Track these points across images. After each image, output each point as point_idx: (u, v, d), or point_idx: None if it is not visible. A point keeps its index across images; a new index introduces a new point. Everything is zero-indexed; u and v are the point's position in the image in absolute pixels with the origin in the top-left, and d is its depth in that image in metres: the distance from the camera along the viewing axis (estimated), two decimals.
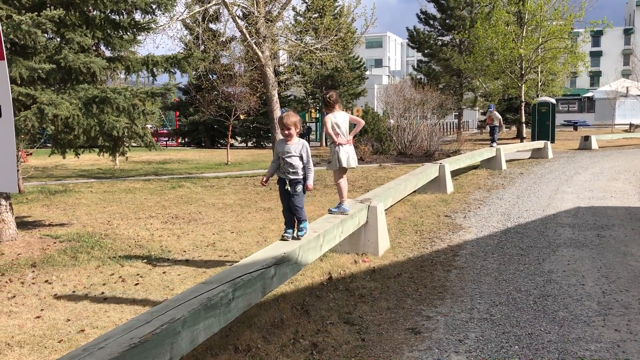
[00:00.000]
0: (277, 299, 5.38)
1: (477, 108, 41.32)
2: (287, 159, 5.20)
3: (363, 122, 6.65)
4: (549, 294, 5.44)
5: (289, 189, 5.28)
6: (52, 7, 6.63)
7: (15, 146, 2.15)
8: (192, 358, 4.06)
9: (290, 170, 5.23)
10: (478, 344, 4.32)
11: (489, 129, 20.77)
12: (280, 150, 5.26)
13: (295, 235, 5.28)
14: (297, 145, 5.22)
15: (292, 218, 5.37)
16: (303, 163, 5.25)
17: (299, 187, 5.27)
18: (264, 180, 5.49)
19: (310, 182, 5.30)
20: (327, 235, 5.65)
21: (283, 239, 5.25)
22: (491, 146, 17.70)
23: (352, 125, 6.65)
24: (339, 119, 6.42)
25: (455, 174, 14.01)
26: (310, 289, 5.68)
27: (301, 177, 5.26)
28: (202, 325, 3.43)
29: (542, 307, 5.08)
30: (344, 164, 6.46)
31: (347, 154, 6.45)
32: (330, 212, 6.56)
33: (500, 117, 20.96)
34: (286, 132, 5.18)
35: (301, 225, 5.33)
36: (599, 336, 4.41)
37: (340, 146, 6.42)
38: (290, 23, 21.13)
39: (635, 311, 4.94)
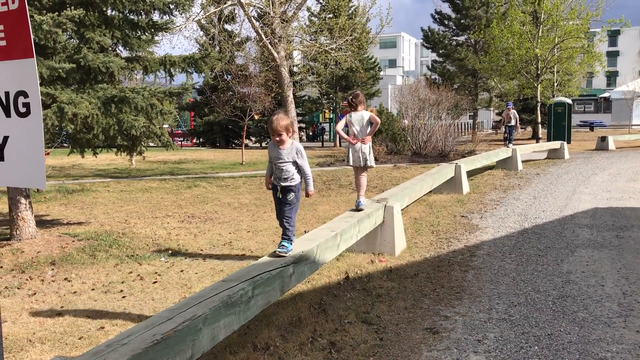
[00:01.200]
0: (295, 298, 5.39)
1: (492, 108, 41.11)
2: (279, 165, 4.75)
3: (379, 121, 6.68)
4: (568, 295, 5.39)
5: (280, 196, 4.84)
6: (72, 7, 6.71)
7: (43, 143, 2.18)
8: (212, 356, 4.08)
9: (282, 176, 4.77)
10: (497, 344, 4.30)
11: (504, 128, 20.08)
12: (273, 155, 4.81)
13: (277, 250, 4.66)
14: (289, 150, 4.74)
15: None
16: (297, 169, 4.81)
17: (291, 196, 4.79)
18: (267, 185, 5.05)
19: (310, 188, 4.91)
20: (344, 235, 5.65)
21: (274, 254, 4.67)
22: (507, 146, 17.52)
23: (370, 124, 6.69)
24: (354, 118, 6.59)
25: (470, 174, 13.94)
26: (327, 288, 5.69)
27: (294, 184, 4.79)
28: (222, 322, 3.45)
29: (562, 308, 5.04)
30: (351, 162, 6.70)
31: (357, 153, 6.62)
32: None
33: (517, 116, 20.37)
34: (277, 138, 4.68)
35: (282, 242, 4.71)
36: (620, 337, 4.37)
37: (350, 145, 6.65)
38: (305, 24, 21.19)
39: None
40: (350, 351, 4.21)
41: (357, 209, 6.68)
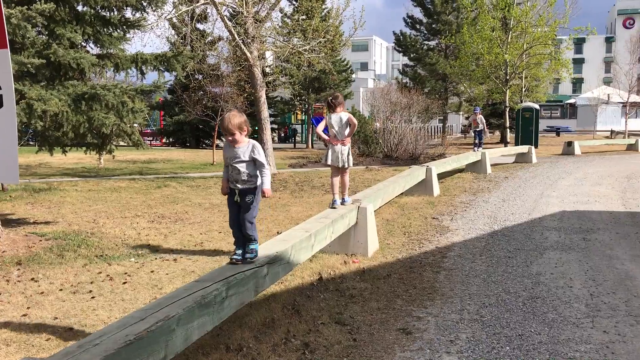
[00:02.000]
0: (268, 299, 5.36)
1: (462, 112, 41.64)
2: (235, 165, 4.38)
3: (356, 123, 6.86)
4: (538, 296, 5.48)
5: (238, 199, 4.47)
6: (42, 1, 6.56)
7: (17, 136, 2.12)
8: (184, 357, 4.03)
9: (240, 178, 4.40)
10: (469, 345, 4.34)
11: (473, 133, 20.10)
12: (228, 155, 4.45)
13: (244, 257, 4.45)
14: (245, 148, 4.39)
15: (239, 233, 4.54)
16: (256, 168, 4.43)
17: (250, 198, 4.44)
18: (223, 189, 4.62)
19: (267, 186, 4.47)
20: (318, 235, 5.64)
21: (232, 262, 4.41)
22: (475, 150, 17.69)
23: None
24: (333, 120, 6.82)
25: (441, 177, 14.07)
26: (300, 289, 5.67)
27: (253, 185, 4.43)
28: (196, 323, 3.41)
29: (532, 309, 5.12)
30: (329, 162, 6.93)
31: (336, 153, 6.87)
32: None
33: (484, 121, 20.45)
34: (230, 138, 4.35)
35: (251, 246, 4.48)
36: (588, 337, 4.46)
37: (330, 145, 6.87)
38: (278, 25, 21.14)
39: (623, 313, 5.00)
40: (324, 352, 4.20)
41: (333, 207, 6.91)
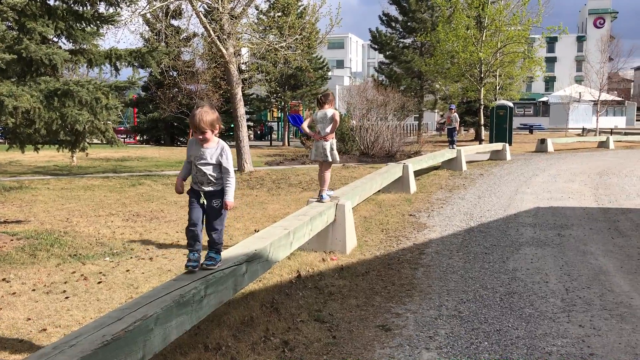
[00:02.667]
0: (247, 297, 5.32)
1: (437, 110, 41.94)
2: (200, 167, 4.08)
3: (337, 120, 6.99)
4: (515, 292, 5.54)
5: (204, 203, 4.13)
6: None
7: None
8: (161, 357, 3.97)
9: (206, 180, 4.09)
10: (448, 340, 4.36)
11: (447, 130, 19.50)
12: (193, 154, 4.13)
13: (206, 263, 4.09)
14: (214, 150, 4.07)
15: (198, 237, 4.16)
16: (221, 171, 4.11)
17: (218, 203, 4.11)
18: (177, 188, 4.34)
19: (229, 199, 4.09)
20: (297, 233, 5.62)
21: (189, 270, 3.99)
22: (450, 148, 17.79)
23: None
24: (318, 116, 7.04)
25: (417, 174, 14.15)
26: (279, 287, 5.64)
27: (221, 187, 4.12)
28: (174, 322, 3.36)
29: (509, 304, 5.17)
30: (312, 157, 7.24)
31: (318, 149, 7.07)
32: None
33: (459, 119, 20.45)
34: (200, 137, 4.02)
35: (211, 254, 4.13)
36: (564, 332, 4.51)
37: (315, 141, 7.12)
38: (254, 21, 21.01)
39: (597, 307, 5.07)
40: (304, 350, 4.18)
41: (320, 201, 7.13)
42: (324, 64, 38.14)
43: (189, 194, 4.21)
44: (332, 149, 7.01)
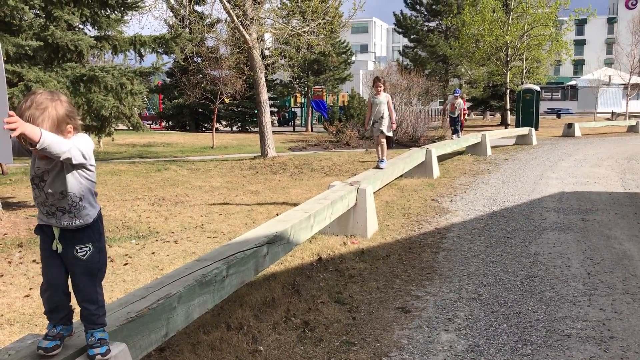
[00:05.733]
0: (268, 278, 5.41)
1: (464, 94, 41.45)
2: (45, 188, 2.51)
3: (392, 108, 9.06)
4: (536, 275, 5.53)
5: (59, 248, 2.52)
6: None
7: (8, 116, 2.13)
8: (185, 335, 4.08)
9: (58, 205, 2.49)
10: (467, 323, 4.39)
11: (449, 119, 17.01)
12: (33, 164, 2.57)
13: (90, 352, 2.51)
14: (64, 145, 2.35)
15: (67, 306, 2.62)
16: (88, 191, 2.62)
17: (84, 250, 2.54)
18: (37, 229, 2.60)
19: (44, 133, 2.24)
20: (317, 216, 5.67)
21: (45, 355, 2.48)
22: (451, 138, 16.26)
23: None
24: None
25: (441, 159, 14.09)
26: (300, 270, 5.71)
27: (87, 221, 2.58)
28: (197, 301, 3.44)
29: (529, 288, 5.16)
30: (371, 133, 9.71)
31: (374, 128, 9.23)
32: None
33: (464, 106, 17.00)
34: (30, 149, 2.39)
35: (96, 333, 2.55)
36: (584, 315, 4.50)
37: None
38: (277, 6, 20.98)
39: (620, 291, 5.04)
40: (324, 330, 4.25)
41: (377, 167, 9.13)
42: (348, 48, 37.94)
43: (36, 233, 2.63)
44: (388, 126, 9.09)
